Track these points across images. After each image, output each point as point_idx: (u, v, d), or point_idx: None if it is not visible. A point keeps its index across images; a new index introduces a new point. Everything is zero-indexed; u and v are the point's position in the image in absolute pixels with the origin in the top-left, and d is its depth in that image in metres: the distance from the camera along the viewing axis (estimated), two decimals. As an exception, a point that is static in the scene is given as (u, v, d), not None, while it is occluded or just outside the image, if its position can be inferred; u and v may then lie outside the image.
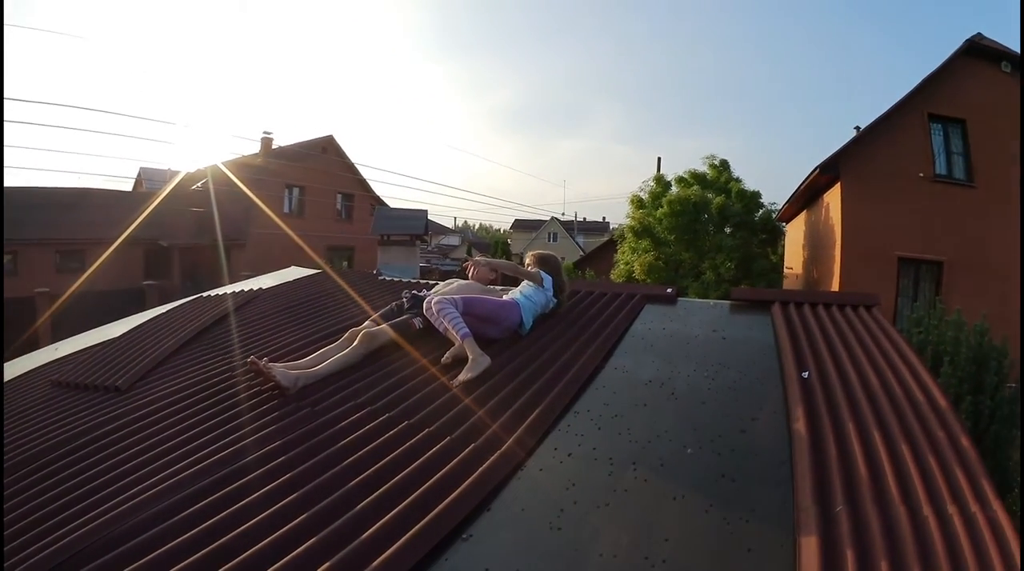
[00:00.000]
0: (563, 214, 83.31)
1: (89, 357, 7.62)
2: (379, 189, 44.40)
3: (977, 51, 19.32)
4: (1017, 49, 18.82)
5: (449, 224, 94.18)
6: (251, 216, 34.79)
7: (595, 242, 62.14)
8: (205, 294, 10.05)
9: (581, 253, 59.71)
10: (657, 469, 3.68)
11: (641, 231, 29.73)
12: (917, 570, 2.52)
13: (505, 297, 6.06)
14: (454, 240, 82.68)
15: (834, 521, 2.91)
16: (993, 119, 18.81)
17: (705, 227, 28.91)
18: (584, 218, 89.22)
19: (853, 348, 5.26)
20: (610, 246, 40.36)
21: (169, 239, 34.80)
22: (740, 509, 3.22)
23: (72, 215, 32.63)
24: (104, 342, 8.23)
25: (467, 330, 5.32)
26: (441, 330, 5.63)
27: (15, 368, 8.33)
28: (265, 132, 40.14)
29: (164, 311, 9.40)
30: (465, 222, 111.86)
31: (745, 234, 29.34)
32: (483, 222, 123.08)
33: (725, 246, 27.79)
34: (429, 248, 63.57)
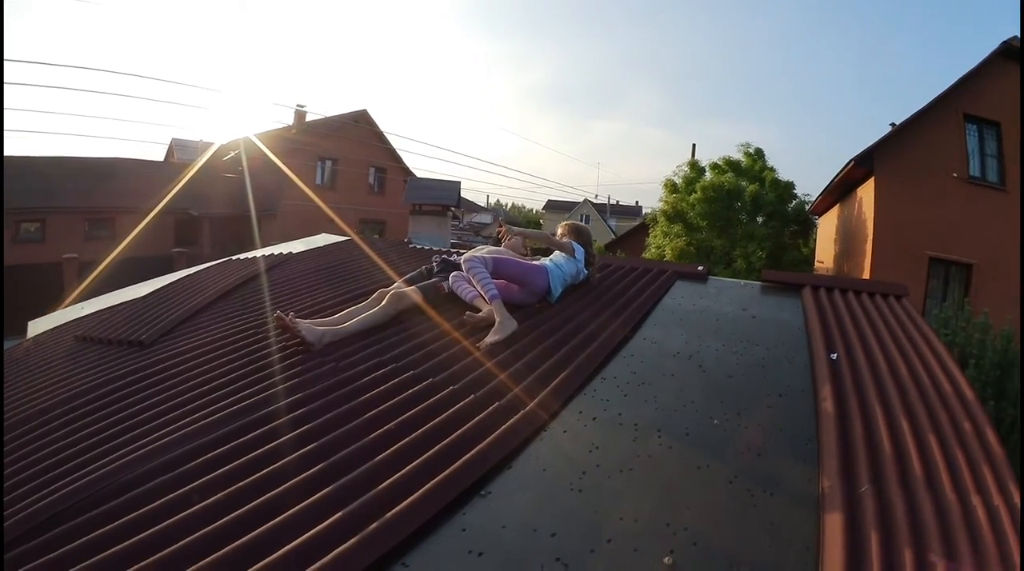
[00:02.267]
0: (596, 196, 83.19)
1: (114, 315, 7.67)
2: (412, 161, 44.45)
3: (1013, 54, 18.96)
4: None
5: (482, 202, 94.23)
6: (282, 188, 34.85)
7: (627, 226, 61.84)
8: (234, 258, 10.05)
9: (613, 236, 59.49)
10: (682, 438, 3.63)
11: (674, 215, 29.66)
12: (940, 556, 2.47)
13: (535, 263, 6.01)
14: (486, 218, 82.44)
15: (859, 501, 2.87)
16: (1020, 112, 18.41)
17: (738, 215, 28.82)
18: (617, 201, 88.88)
19: (882, 335, 5.21)
20: (642, 230, 40.26)
21: (200, 208, 35.02)
22: (764, 483, 3.17)
23: (103, 184, 33.10)
24: (130, 301, 8.26)
25: (496, 292, 5.29)
26: (467, 298, 5.61)
27: (39, 326, 8.38)
28: (299, 105, 40.20)
29: (192, 272, 9.42)
30: (498, 201, 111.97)
31: (777, 224, 29.16)
32: (515, 202, 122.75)
33: (757, 235, 27.60)
34: (461, 225, 63.43)
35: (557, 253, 6.21)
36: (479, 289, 5.36)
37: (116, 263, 22.04)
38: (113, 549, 2.55)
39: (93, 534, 2.73)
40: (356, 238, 10.45)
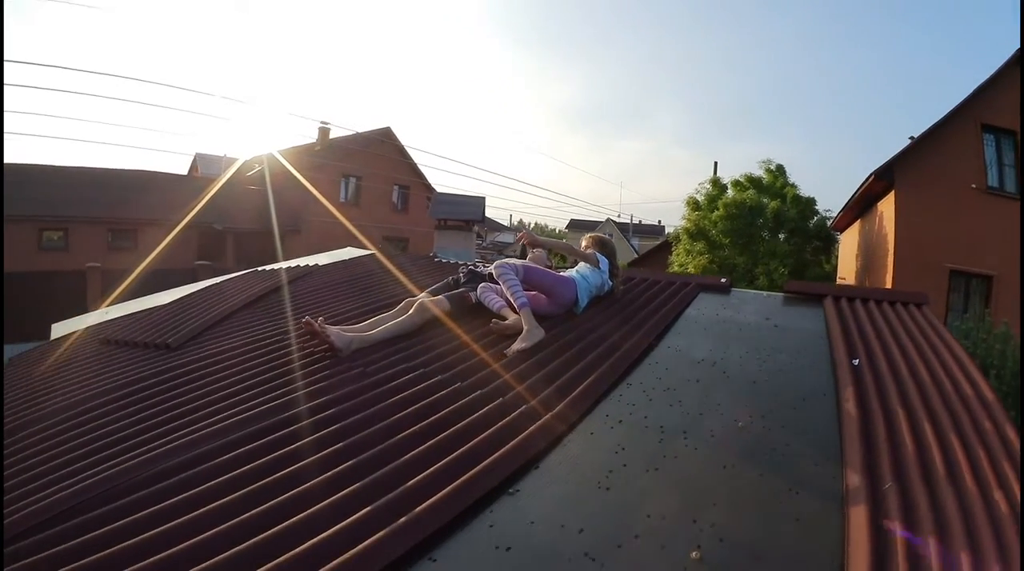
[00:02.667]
0: (619, 215, 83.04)
1: (139, 320, 7.78)
2: (436, 177, 44.64)
3: None
4: None
5: (504, 221, 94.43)
6: (307, 204, 35.07)
7: (649, 245, 61.70)
8: (259, 269, 10.13)
9: (635, 254, 59.48)
10: (707, 439, 3.68)
11: (696, 233, 29.74)
12: (965, 551, 2.51)
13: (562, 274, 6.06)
14: (509, 237, 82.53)
15: (883, 497, 2.91)
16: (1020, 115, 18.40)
17: (759, 232, 28.80)
18: (640, 221, 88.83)
19: (902, 340, 5.27)
20: (664, 248, 40.25)
21: (224, 223, 35.34)
22: (790, 481, 3.21)
23: (126, 196, 33.58)
24: (154, 308, 8.37)
25: (526, 299, 5.35)
26: (495, 308, 5.67)
27: (62, 329, 8.48)
28: (323, 122, 40.49)
29: (216, 281, 9.53)
30: (521, 220, 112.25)
31: (799, 241, 29.14)
32: (538, 221, 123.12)
33: (779, 252, 27.58)
34: (484, 244, 63.51)
35: (582, 264, 6.26)
36: (509, 296, 5.43)
37: (140, 274, 22.25)
38: (140, 537, 2.60)
39: (116, 523, 2.78)
40: (378, 252, 10.53)
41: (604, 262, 6.26)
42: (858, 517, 2.77)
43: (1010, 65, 19.05)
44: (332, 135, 40.82)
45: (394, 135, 42.47)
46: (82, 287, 22.69)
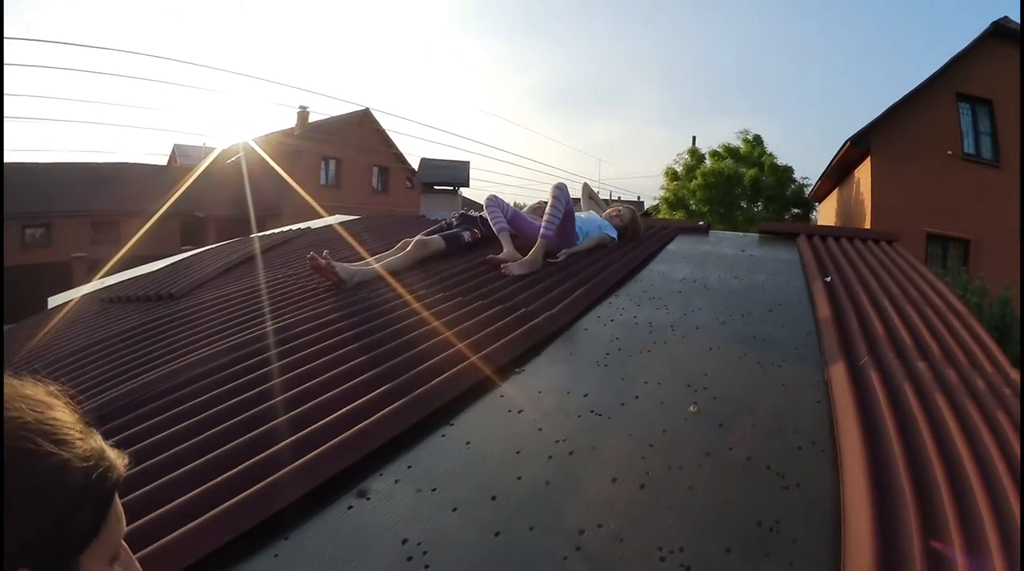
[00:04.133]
0: (598, 192, 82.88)
1: (139, 280, 8.05)
2: (417, 147, 44.25)
3: (1003, 33, 19.36)
4: None
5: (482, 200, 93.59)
6: (287, 188, 34.96)
7: (630, 220, 61.48)
8: (254, 235, 10.27)
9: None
10: (693, 331, 4.02)
11: (675, 202, 30.09)
12: (943, 406, 2.81)
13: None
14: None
15: (860, 370, 3.22)
16: (1017, 101, 18.66)
17: (738, 200, 29.20)
18: (619, 197, 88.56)
19: (873, 265, 5.58)
20: (643, 218, 40.43)
21: (205, 210, 35.30)
22: (773, 357, 3.57)
23: (106, 189, 33.56)
24: (152, 271, 8.61)
25: (503, 225, 5.84)
26: (496, 228, 5.93)
27: (60, 300, 8.64)
28: (301, 106, 40.27)
29: (214, 246, 9.76)
30: (515, 202, 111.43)
31: (777, 208, 29.46)
32: (518, 200, 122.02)
33: (757, 220, 27.62)
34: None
35: (591, 215, 6.53)
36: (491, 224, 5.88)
37: (125, 263, 22.22)
38: (157, 437, 2.74)
39: (138, 427, 2.90)
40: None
41: (613, 231, 6.45)
42: (838, 375, 3.12)
43: (987, 35, 19.45)
44: (312, 118, 40.68)
45: (373, 116, 42.40)
46: (69, 277, 22.74)
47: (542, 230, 5.57)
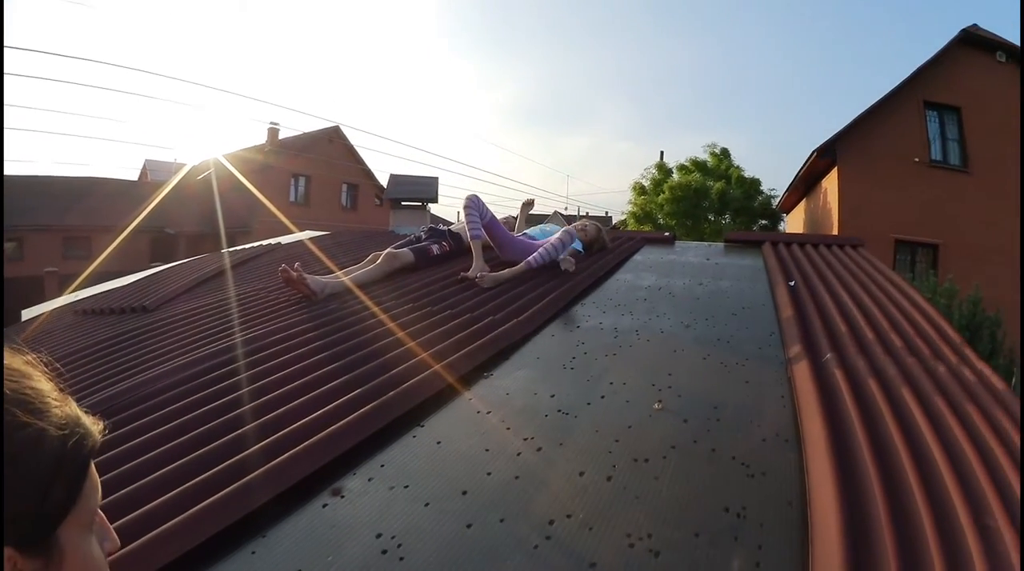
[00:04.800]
0: (566, 208, 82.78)
1: (111, 293, 8.07)
2: (388, 164, 44.00)
3: (972, 41, 19.69)
4: (1012, 39, 19.20)
5: (453, 218, 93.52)
6: (256, 205, 34.84)
7: (599, 236, 61.56)
8: (224, 250, 10.27)
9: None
10: (658, 335, 4.11)
11: (642, 217, 30.17)
12: (908, 396, 2.88)
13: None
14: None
15: (824, 366, 3.30)
16: (988, 108, 19.17)
17: (705, 213, 29.28)
18: (587, 213, 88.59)
19: (838, 270, 5.63)
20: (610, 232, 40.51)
21: (175, 227, 35.07)
22: (736, 357, 3.67)
23: (79, 203, 33.32)
24: (125, 285, 8.62)
25: (478, 233, 5.80)
26: (469, 234, 5.95)
27: (33, 312, 8.59)
28: (272, 122, 40.13)
29: (185, 262, 9.75)
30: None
31: (745, 220, 29.56)
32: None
33: (725, 231, 27.71)
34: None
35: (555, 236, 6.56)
36: (467, 226, 5.90)
37: (95, 278, 22.12)
38: (133, 443, 2.76)
39: (114, 434, 2.87)
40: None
41: (577, 245, 6.40)
42: (801, 372, 3.21)
43: (955, 43, 19.78)
44: (283, 134, 40.58)
45: (343, 133, 42.39)
46: (41, 291, 22.65)
47: (470, 236, 5.77)
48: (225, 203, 34.18)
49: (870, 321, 4.08)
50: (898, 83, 19.96)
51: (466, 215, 5.90)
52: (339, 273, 5.81)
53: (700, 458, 2.51)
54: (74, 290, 9.79)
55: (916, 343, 3.68)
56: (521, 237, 6.38)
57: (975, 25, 19.79)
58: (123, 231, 28.60)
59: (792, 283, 5.09)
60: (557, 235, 5.82)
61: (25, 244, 31.45)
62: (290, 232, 11.49)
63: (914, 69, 19.99)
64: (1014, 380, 10.90)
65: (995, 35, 19.83)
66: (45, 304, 9.20)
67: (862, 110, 19.84)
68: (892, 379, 3.12)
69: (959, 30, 19.73)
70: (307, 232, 11.40)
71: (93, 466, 0.94)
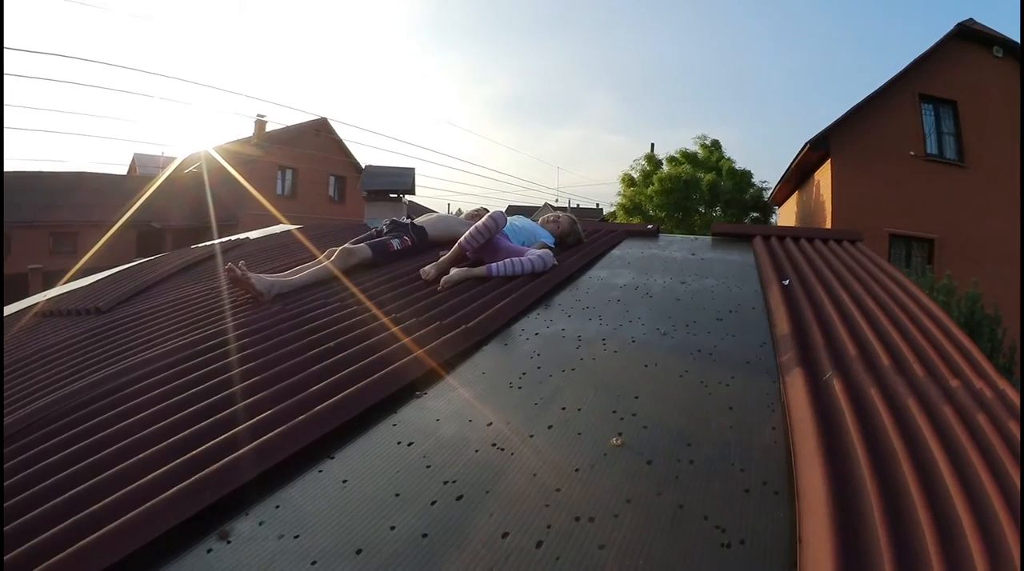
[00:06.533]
0: (556, 200, 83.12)
1: (73, 293, 7.83)
2: (378, 157, 44.42)
3: (968, 35, 19.76)
4: (1008, 34, 19.33)
5: (441, 210, 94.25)
6: (244, 199, 34.87)
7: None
8: (194, 246, 10.27)
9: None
10: (628, 344, 3.59)
11: (632, 209, 30.27)
12: (928, 434, 2.35)
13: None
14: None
15: (825, 386, 2.78)
16: (984, 102, 19.26)
17: (695, 205, 29.20)
18: (577, 205, 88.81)
19: (836, 266, 5.23)
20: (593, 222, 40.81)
21: (162, 221, 35.12)
22: (719, 375, 3.12)
23: (66, 198, 33.48)
24: (92, 283, 8.44)
25: (466, 245, 5.26)
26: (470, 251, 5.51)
27: (12, 309, 8.48)
28: (259, 115, 40.07)
29: (153, 258, 9.72)
30: (459, 209, 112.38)
31: (736, 212, 29.69)
32: (475, 208, 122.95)
33: (715, 224, 27.74)
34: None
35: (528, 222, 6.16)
36: (468, 237, 5.23)
37: (81, 273, 22.07)
38: (91, 438, 2.55)
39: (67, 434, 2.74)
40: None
41: (549, 239, 6.12)
42: (796, 392, 2.70)
43: (951, 37, 19.80)
44: (269, 128, 40.54)
45: (330, 125, 42.35)
46: (25, 290, 22.54)
47: (463, 243, 5.26)
48: (212, 196, 34.18)
49: (876, 330, 3.58)
50: (893, 75, 19.93)
51: (477, 229, 5.26)
52: (289, 271, 5.53)
53: (663, 518, 1.96)
54: (62, 284, 9.84)
55: (932, 359, 3.17)
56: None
57: (971, 19, 19.89)
58: (111, 226, 28.66)
59: (786, 282, 4.63)
60: (533, 255, 5.26)
61: (12, 240, 31.27)
62: (280, 224, 11.42)
63: (909, 62, 19.96)
64: (1013, 379, 10.61)
65: (991, 29, 19.88)
66: (17, 304, 8.97)
67: (853, 104, 19.78)
68: (906, 408, 2.58)
69: (955, 24, 19.78)
70: (279, 226, 11.22)
71: None
